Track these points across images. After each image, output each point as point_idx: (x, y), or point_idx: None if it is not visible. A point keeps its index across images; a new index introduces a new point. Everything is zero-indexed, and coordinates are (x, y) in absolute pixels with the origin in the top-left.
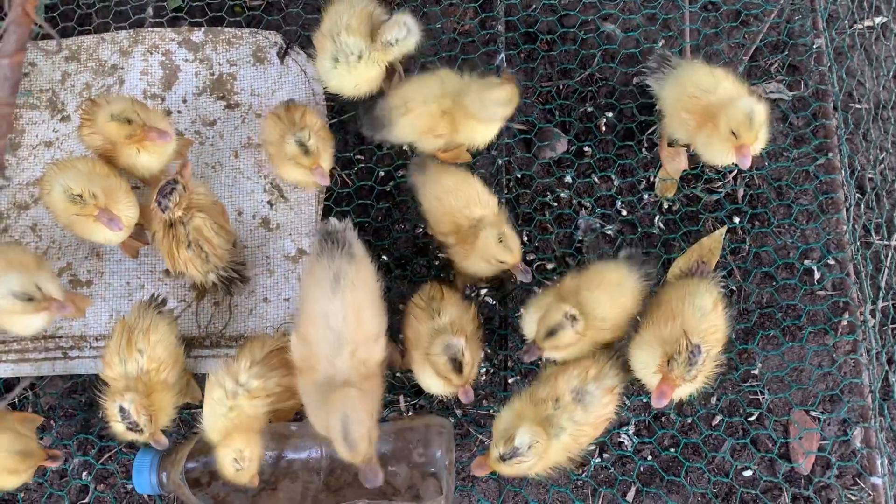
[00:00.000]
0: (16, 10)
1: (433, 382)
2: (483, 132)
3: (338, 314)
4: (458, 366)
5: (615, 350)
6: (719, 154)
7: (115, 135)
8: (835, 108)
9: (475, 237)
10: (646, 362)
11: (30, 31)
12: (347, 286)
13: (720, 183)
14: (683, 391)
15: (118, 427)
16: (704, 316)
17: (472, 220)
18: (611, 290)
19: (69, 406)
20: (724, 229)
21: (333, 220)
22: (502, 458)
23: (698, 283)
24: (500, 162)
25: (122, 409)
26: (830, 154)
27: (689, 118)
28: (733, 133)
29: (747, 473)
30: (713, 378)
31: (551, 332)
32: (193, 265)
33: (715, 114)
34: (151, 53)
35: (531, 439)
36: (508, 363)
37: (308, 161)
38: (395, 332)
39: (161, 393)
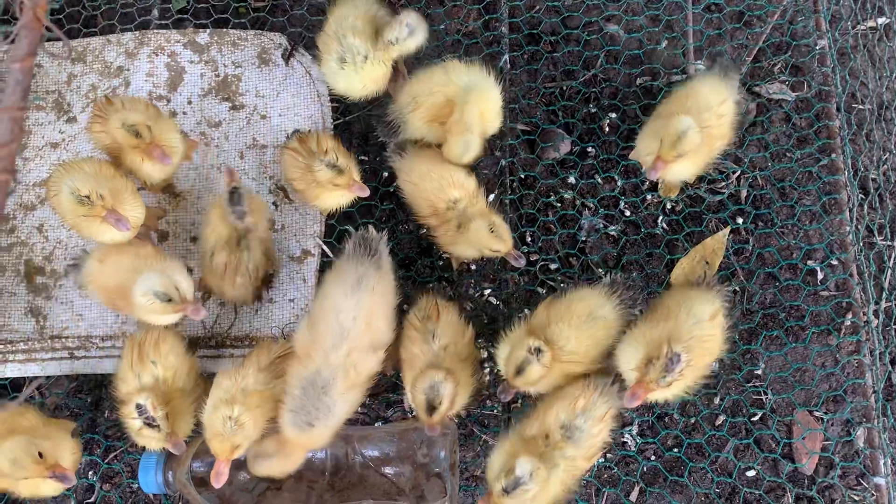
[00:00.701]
0: (27, 14)
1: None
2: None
3: (349, 312)
4: (431, 409)
5: (609, 377)
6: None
7: (122, 141)
8: (838, 110)
9: (457, 221)
10: (628, 359)
11: (40, 35)
12: (367, 290)
13: (724, 183)
14: (659, 395)
15: (135, 424)
16: (698, 324)
17: (449, 203)
18: (580, 322)
19: (75, 406)
20: (727, 230)
21: (371, 230)
22: (505, 491)
23: (701, 292)
24: (503, 163)
25: (138, 406)
26: (834, 155)
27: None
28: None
29: (751, 474)
30: (694, 388)
31: (519, 370)
32: (236, 288)
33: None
34: (157, 55)
35: (532, 467)
36: None
37: (344, 180)
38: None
39: (179, 400)
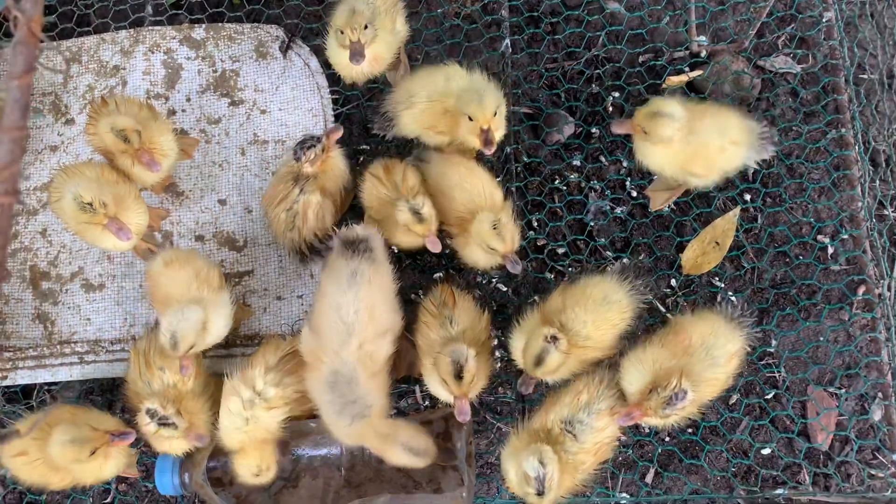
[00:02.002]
0: (22, 29)
1: (441, 390)
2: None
3: (350, 307)
4: (458, 371)
5: (614, 369)
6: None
7: (111, 145)
8: (846, 83)
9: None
10: (633, 379)
11: (37, 50)
12: (363, 282)
13: None
14: (651, 422)
15: (150, 429)
16: (713, 367)
17: (476, 213)
18: (595, 307)
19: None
20: (737, 210)
21: (356, 228)
22: (539, 494)
23: (727, 327)
24: (508, 150)
25: (148, 410)
26: (843, 129)
27: None
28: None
29: (766, 452)
30: (694, 415)
31: (538, 361)
32: (279, 226)
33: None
34: (153, 52)
35: (538, 459)
36: None
37: (422, 229)
38: (408, 322)
39: (191, 402)
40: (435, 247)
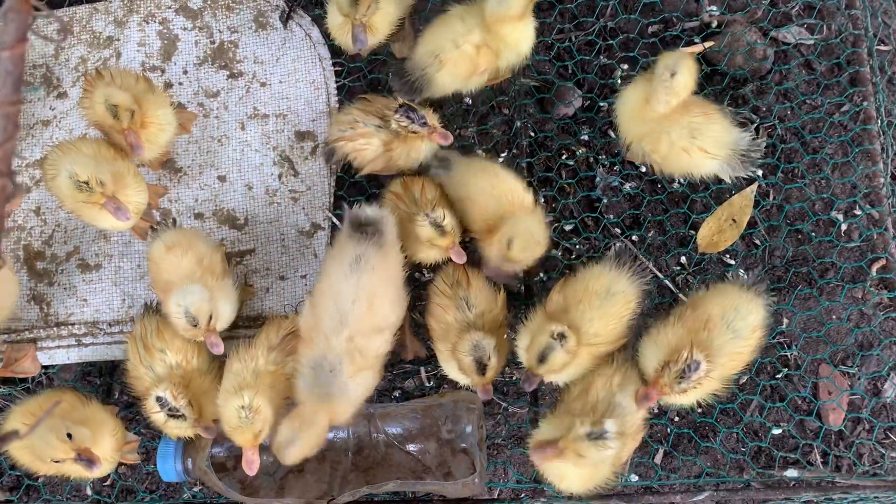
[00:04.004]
0: None
1: (459, 375)
2: (523, 35)
3: (348, 296)
4: (482, 368)
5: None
6: None
7: (102, 119)
8: (869, 55)
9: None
10: (650, 358)
11: (30, 17)
12: (366, 269)
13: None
14: (679, 400)
15: (160, 418)
16: (735, 340)
17: (505, 218)
18: (598, 301)
19: (85, 391)
20: (754, 186)
21: (367, 210)
22: (589, 436)
23: (746, 298)
24: (518, 124)
25: (158, 399)
26: (866, 103)
27: None
28: None
29: (777, 432)
30: (720, 391)
31: (542, 358)
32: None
33: None
34: (148, 23)
35: (618, 429)
36: None
37: (446, 242)
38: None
39: (199, 380)
40: (460, 258)
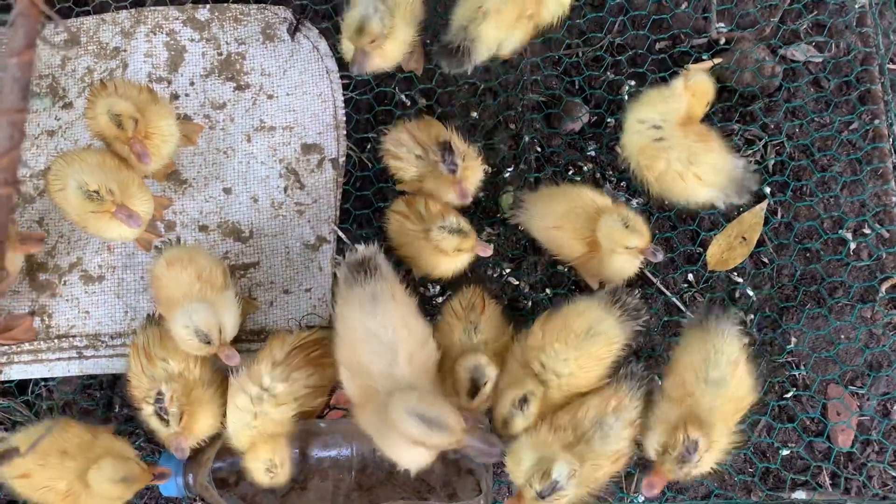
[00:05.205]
0: (22, 0)
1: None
2: None
3: (386, 327)
4: (474, 391)
5: (637, 379)
6: None
7: (106, 129)
8: (881, 73)
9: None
10: (649, 438)
11: (39, 24)
12: (387, 300)
13: (751, 152)
14: (698, 471)
15: (148, 409)
16: (719, 390)
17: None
18: (577, 342)
19: (86, 404)
20: (764, 203)
21: (361, 249)
22: (541, 497)
23: (717, 340)
24: (526, 139)
25: (159, 393)
26: (877, 121)
27: None
28: None
29: (785, 453)
30: (731, 452)
31: (505, 423)
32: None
33: None
34: (155, 34)
35: (569, 469)
36: None
37: (469, 243)
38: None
39: (200, 391)
40: (487, 250)
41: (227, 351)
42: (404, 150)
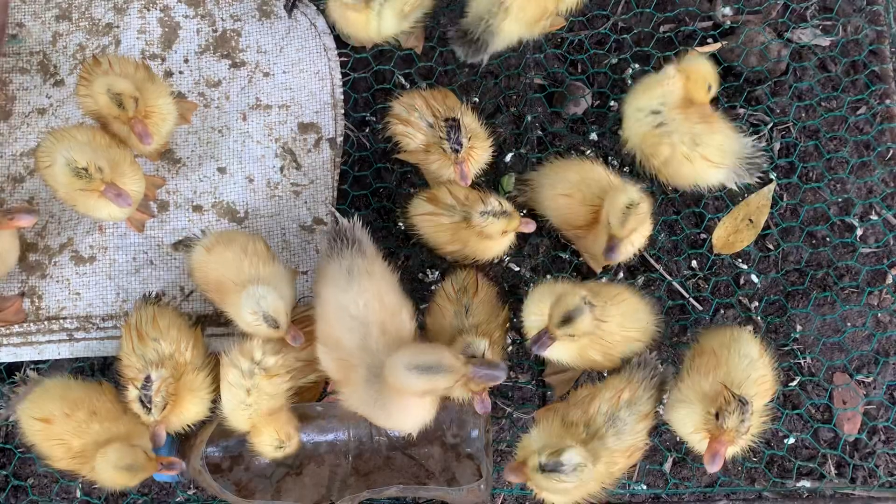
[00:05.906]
0: None
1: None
2: None
3: (357, 302)
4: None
5: (650, 369)
6: None
7: (105, 108)
8: (892, 52)
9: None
10: (684, 422)
11: None
12: (362, 274)
13: (758, 135)
14: (737, 444)
15: (132, 394)
16: (752, 363)
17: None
18: (627, 309)
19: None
20: (772, 186)
21: (342, 220)
22: (542, 469)
23: (739, 331)
24: (528, 118)
25: (147, 378)
26: (888, 101)
27: None
28: None
29: (790, 441)
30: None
31: (567, 319)
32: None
33: None
34: (148, 10)
35: (580, 461)
36: None
37: (514, 223)
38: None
39: (191, 375)
40: (530, 227)
41: (294, 332)
42: (416, 115)
